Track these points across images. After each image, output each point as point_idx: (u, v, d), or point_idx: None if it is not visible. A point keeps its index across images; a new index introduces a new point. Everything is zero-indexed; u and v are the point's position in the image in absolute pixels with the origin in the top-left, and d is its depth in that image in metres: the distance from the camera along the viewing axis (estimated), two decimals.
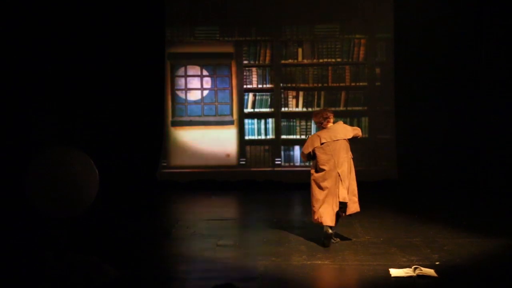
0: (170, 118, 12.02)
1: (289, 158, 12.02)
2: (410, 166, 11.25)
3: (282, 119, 12.04)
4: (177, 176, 11.83)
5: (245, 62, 12.05)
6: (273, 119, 12.08)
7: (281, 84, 12.01)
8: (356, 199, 7.53)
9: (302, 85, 11.97)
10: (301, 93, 11.99)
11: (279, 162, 11.99)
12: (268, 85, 12.05)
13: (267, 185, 11.57)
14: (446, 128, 11.08)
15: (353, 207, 7.51)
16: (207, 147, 11.99)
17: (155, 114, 11.75)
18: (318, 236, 7.61)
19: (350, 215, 7.64)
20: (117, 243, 7.80)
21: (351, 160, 7.57)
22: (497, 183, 10.51)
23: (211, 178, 11.79)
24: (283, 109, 12.02)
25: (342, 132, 7.58)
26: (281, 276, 6.45)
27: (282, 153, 12.03)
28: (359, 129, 7.81)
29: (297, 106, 11.94)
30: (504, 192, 10.21)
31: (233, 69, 12.07)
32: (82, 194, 7.58)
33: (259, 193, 11.11)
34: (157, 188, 11.40)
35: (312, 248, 7.39)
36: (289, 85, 12.00)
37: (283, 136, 12.04)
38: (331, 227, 7.48)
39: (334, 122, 7.78)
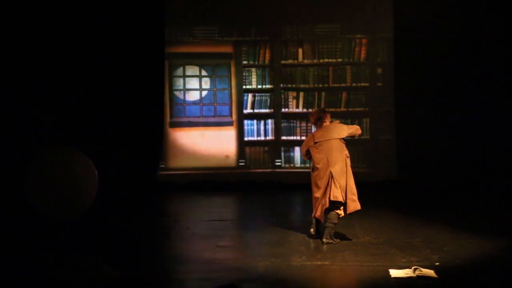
0: (168, 119, 12.01)
1: (289, 159, 12.01)
2: (410, 166, 11.27)
3: (282, 120, 12.03)
4: (175, 178, 11.81)
5: (245, 62, 12.05)
6: (273, 120, 12.06)
7: (281, 85, 11.99)
8: (355, 197, 7.62)
9: (302, 85, 11.97)
10: (301, 94, 11.97)
11: (279, 163, 11.99)
12: (268, 86, 12.04)
13: (267, 185, 11.63)
14: (447, 129, 11.15)
15: (352, 205, 7.61)
16: (206, 149, 11.98)
17: (154, 114, 11.75)
18: (318, 236, 7.79)
19: (350, 213, 7.75)
20: (117, 244, 7.86)
21: (347, 159, 7.66)
22: (497, 184, 10.60)
23: (211, 179, 11.78)
24: (283, 109, 12.01)
25: (335, 131, 7.72)
26: (281, 276, 6.49)
27: (282, 154, 12.02)
28: (356, 127, 7.88)
29: (297, 107, 11.94)
30: (504, 192, 10.30)
31: (232, 69, 12.06)
32: (81, 195, 7.68)
33: (259, 193, 11.15)
34: (156, 188, 11.45)
35: (312, 249, 7.48)
36: (289, 85, 12.00)
37: (283, 137, 12.02)
38: (317, 226, 7.79)
39: (337, 122, 7.95)
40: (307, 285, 6.40)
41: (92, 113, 11.30)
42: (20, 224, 8.56)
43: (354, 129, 7.79)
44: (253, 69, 12.07)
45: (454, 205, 9.83)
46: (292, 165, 12.00)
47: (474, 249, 7.33)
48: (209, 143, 12.01)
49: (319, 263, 6.92)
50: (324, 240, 7.65)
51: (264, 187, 11.56)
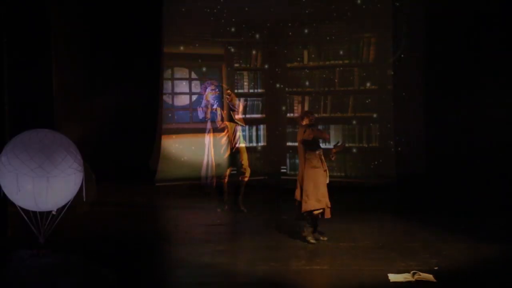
0: None
1: (295, 166, 12.02)
2: (409, 171, 11.68)
3: (287, 125, 12.32)
4: (166, 188, 12.07)
5: (236, 65, 12.42)
6: (265, 126, 12.42)
7: (286, 89, 12.32)
8: (306, 199, 8.30)
9: (308, 89, 12.27)
10: (306, 98, 12.26)
11: (285, 170, 12.30)
12: (260, 90, 12.41)
13: (264, 190, 12.00)
14: (447, 133, 11.65)
15: (303, 206, 8.34)
16: (196, 156, 12.08)
17: (151, 117, 12.17)
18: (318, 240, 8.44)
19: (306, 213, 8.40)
20: (116, 247, 8.32)
21: (305, 161, 8.34)
22: (495, 188, 11.11)
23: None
24: (288, 114, 12.32)
25: (298, 135, 8.48)
26: (280, 281, 6.94)
27: (288, 160, 12.32)
28: (318, 131, 8.40)
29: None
30: (501, 197, 10.79)
31: (224, 72, 12.38)
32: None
33: (257, 198, 11.43)
34: (155, 192, 11.88)
35: (310, 253, 7.98)
36: (294, 89, 12.34)
37: (289, 143, 12.31)
38: (313, 230, 8.46)
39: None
40: None
41: (89, 116, 11.78)
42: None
43: (307, 133, 8.23)
44: (245, 72, 12.46)
45: (453, 210, 10.31)
46: (298, 172, 12.15)
47: (473, 254, 7.87)
48: (199, 151, 12.03)
49: (318, 267, 7.42)
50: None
51: (262, 191, 11.91)
